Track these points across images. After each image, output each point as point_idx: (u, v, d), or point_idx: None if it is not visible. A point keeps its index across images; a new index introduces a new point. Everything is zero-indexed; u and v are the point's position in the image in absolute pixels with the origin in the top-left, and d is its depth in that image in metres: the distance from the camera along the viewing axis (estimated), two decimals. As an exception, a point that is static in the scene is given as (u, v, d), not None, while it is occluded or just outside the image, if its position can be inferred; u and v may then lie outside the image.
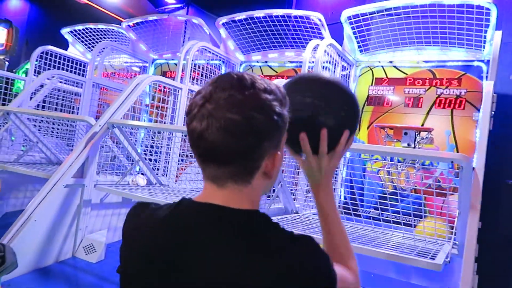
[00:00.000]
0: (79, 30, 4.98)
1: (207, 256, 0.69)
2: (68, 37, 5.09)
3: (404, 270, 2.47)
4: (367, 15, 3.17)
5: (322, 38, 3.41)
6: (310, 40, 3.14)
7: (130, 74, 4.88)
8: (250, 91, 0.71)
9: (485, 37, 2.86)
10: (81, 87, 4.20)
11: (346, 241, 0.94)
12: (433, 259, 1.64)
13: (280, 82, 2.58)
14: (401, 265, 2.42)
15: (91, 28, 4.93)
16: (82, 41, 5.08)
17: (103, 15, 6.46)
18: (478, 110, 2.94)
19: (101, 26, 4.94)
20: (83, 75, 4.60)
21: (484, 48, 2.96)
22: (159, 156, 3.22)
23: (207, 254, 0.69)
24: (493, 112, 2.30)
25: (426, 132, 2.92)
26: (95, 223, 2.74)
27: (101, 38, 4.97)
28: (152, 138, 3.16)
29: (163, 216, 0.76)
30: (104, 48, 4.40)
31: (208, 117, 0.69)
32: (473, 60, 3.04)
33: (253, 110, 0.69)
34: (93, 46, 4.86)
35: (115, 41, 4.89)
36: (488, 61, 2.93)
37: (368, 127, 3.36)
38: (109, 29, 4.93)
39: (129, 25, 4.57)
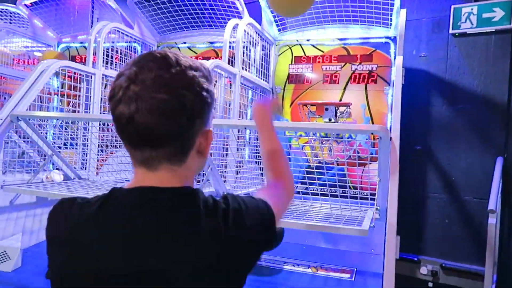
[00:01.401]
0: (-36, 10, 4.33)
1: (138, 244, 0.67)
2: (-50, 19, 4.40)
3: (332, 237, 2.63)
4: (283, -7, 3.19)
5: (240, 17, 3.37)
6: (229, 19, 3.09)
7: (32, 60, 4.39)
8: (177, 69, 0.69)
9: (391, 15, 3.07)
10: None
11: (282, 150, 1.10)
12: (360, 225, 1.76)
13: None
14: (329, 233, 2.57)
15: (-22, 9, 4.31)
16: (-31, 24, 4.43)
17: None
18: (389, 84, 3.17)
19: (-9, 6, 4.34)
20: (-26, 63, 4.04)
21: (391, 26, 3.17)
22: (76, 148, 2.98)
23: (137, 241, 0.67)
24: (402, 85, 2.49)
25: (345, 107, 3.08)
26: (6, 228, 2.46)
27: (-8, 20, 4.38)
28: (65, 129, 2.90)
29: (94, 209, 0.71)
30: (-3, 31, 3.90)
31: (137, 100, 0.66)
32: (382, 37, 3.26)
33: (182, 88, 0.68)
34: (-17, 29, 4.26)
35: (11, 23, 4.34)
36: (395, 38, 3.16)
37: (290, 105, 3.45)
38: (2, 9, 4.35)
39: (25, 5, 4.08)
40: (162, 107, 0.66)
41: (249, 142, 3.21)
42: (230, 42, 2.91)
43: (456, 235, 3.25)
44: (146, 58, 0.71)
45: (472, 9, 3.23)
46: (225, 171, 2.69)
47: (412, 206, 3.38)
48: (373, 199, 2.06)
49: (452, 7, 3.29)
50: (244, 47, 2.98)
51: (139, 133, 0.68)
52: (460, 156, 3.27)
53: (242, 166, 2.97)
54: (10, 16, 4.38)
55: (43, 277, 0.77)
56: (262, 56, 3.42)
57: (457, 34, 3.30)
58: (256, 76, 3.27)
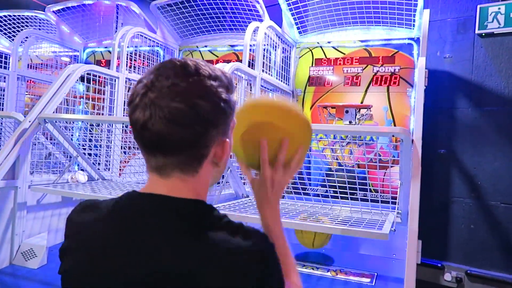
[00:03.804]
0: (-4, 17, 4.51)
1: (144, 248, 0.67)
2: (-17, 26, 4.60)
3: (353, 241, 2.59)
4: (304, -4, 3.20)
5: (261, 20, 3.39)
6: (249, 22, 3.11)
7: (59, 64, 4.53)
8: (194, 78, 0.69)
9: (414, 15, 3.02)
10: (4, 81, 3.84)
11: (290, 255, 0.91)
12: (380, 229, 1.73)
13: (222, 66, 2.52)
14: (350, 236, 2.53)
15: (9, 16, 4.49)
16: (1, 30, 4.62)
17: (23, 1, 5.90)
18: (411, 86, 3.11)
19: (21, 12, 4.50)
20: (5, 68, 4.20)
21: (414, 27, 3.12)
22: (99, 150, 3.05)
23: (144, 246, 0.67)
24: (425, 87, 2.44)
25: (366, 109, 3.04)
26: (33, 227, 2.54)
27: (23, 27, 4.54)
28: (90, 131, 2.98)
29: (106, 211, 0.74)
30: (27, 37, 4.04)
31: (151, 107, 0.67)
32: (405, 38, 3.20)
33: (198, 98, 0.68)
34: (14, 36, 4.43)
35: (40, 29, 4.50)
36: (418, 39, 3.10)
37: (311, 108, 3.43)
38: (32, 16, 4.52)
39: (53, 11, 4.22)
40: (175, 115, 0.66)
41: (269, 145, 3.21)
42: (250, 45, 2.93)
43: (482, 240, 3.15)
44: (166, 65, 0.71)
45: (499, 8, 3.14)
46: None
47: (436, 210, 3.30)
48: (395, 203, 2.02)
49: (478, 6, 3.21)
50: (264, 50, 2.99)
51: (152, 139, 0.68)
52: (486, 160, 3.17)
53: (262, 168, 2.97)
54: (39, 23, 4.54)
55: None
56: (283, 59, 3.42)
57: (483, 34, 3.21)
58: (276, 78, 3.27)
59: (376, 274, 2.22)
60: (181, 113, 0.66)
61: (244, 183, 2.54)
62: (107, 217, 0.73)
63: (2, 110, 3.78)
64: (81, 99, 3.69)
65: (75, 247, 0.76)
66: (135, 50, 3.53)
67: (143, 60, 3.65)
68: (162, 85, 0.68)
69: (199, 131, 0.69)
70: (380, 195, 2.28)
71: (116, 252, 0.68)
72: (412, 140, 1.80)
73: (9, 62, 4.25)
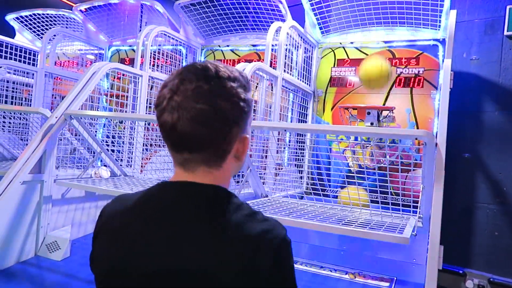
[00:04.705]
0: (26, 16, 4.64)
1: (166, 235, 0.72)
2: (14, 24, 4.74)
3: (372, 244, 2.56)
4: (327, -4, 3.17)
5: (283, 20, 3.38)
6: (271, 22, 3.11)
7: (85, 62, 4.64)
8: (215, 80, 0.74)
9: (440, 16, 2.95)
10: (32, 78, 3.96)
11: None
12: (401, 233, 1.70)
13: (244, 66, 2.53)
14: (369, 240, 2.50)
15: (39, 14, 4.62)
16: (30, 28, 4.75)
17: (51, 0, 6.07)
18: (436, 88, 3.05)
19: (50, 11, 4.63)
20: (33, 65, 4.33)
21: (439, 28, 3.05)
22: (122, 146, 3.11)
23: (166, 232, 0.72)
24: (450, 89, 2.39)
25: (388, 111, 2.99)
26: (57, 220, 2.62)
27: (51, 25, 4.67)
28: (113, 128, 3.04)
29: (134, 201, 0.79)
30: (55, 35, 4.15)
31: (178, 109, 0.72)
32: (430, 40, 3.14)
33: (220, 99, 0.73)
34: (43, 34, 4.56)
35: (67, 27, 4.61)
36: (444, 40, 3.03)
37: (332, 108, 3.41)
38: (59, 14, 4.64)
39: (80, 10, 4.33)
40: (201, 116, 0.72)
41: (289, 145, 3.21)
42: (272, 45, 2.93)
43: (506, 248, 3.06)
44: (188, 69, 0.76)
45: (529, 9, 3.04)
46: (264, 173, 2.70)
47: (459, 215, 3.22)
48: (416, 207, 1.99)
49: (508, 7, 3.11)
50: (286, 50, 2.99)
51: (180, 139, 0.74)
52: (513, 165, 3.08)
53: (282, 168, 2.97)
54: (67, 21, 4.67)
55: (89, 268, 0.83)
56: (304, 59, 3.41)
57: (512, 35, 3.11)
58: (298, 79, 3.26)
59: (395, 278, 2.19)
60: (205, 114, 0.72)
61: (263, 183, 2.55)
62: (135, 206, 0.78)
63: (30, 106, 3.90)
64: (105, 96, 3.77)
65: (102, 233, 0.81)
66: (159, 49, 3.58)
67: (166, 59, 3.70)
68: (186, 88, 0.73)
69: (222, 129, 0.74)
70: (402, 199, 2.24)
71: (138, 239, 0.73)
72: (436, 144, 1.76)
73: (37, 59, 4.38)
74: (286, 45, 2.98)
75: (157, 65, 3.54)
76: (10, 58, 4.17)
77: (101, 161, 2.91)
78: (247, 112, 0.79)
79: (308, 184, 3.16)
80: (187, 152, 0.76)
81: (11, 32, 4.68)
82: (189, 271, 0.68)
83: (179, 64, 3.89)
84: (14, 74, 3.92)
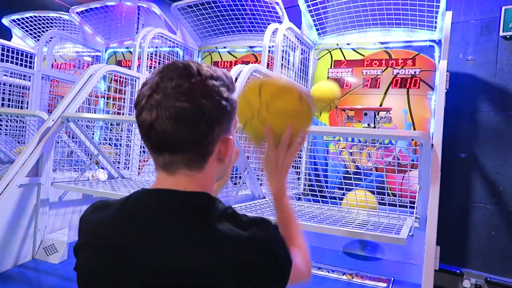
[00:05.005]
0: (22, 18, 4.63)
1: (154, 242, 0.69)
2: (11, 27, 4.74)
3: (370, 245, 2.57)
4: (323, -3, 3.18)
5: (280, 21, 3.39)
6: (268, 24, 3.11)
7: (82, 64, 4.64)
8: (197, 79, 0.72)
9: (436, 17, 2.97)
10: (29, 80, 3.95)
11: (293, 221, 1.00)
12: (398, 233, 1.71)
13: (241, 68, 2.53)
14: (367, 240, 2.51)
15: (35, 17, 4.61)
16: (27, 31, 4.75)
17: (47, 2, 6.06)
18: (432, 89, 3.07)
19: (46, 13, 4.62)
20: (30, 67, 4.32)
21: (435, 28, 3.07)
22: (119, 148, 3.11)
23: (154, 239, 0.70)
24: (446, 90, 2.40)
25: (385, 112, 3.01)
26: (54, 223, 2.61)
27: (47, 27, 4.66)
28: (110, 130, 3.04)
29: (116, 209, 0.77)
30: (51, 38, 4.15)
31: (157, 107, 0.70)
32: (426, 40, 3.15)
33: (201, 97, 0.71)
34: (39, 36, 4.56)
35: (64, 29, 4.61)
36: (440, 41, 3.05)
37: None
38: (56, 17, 4.64)
39: (77, 12, 4.32)
40: (181, 115, 0.69)
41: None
42: (269, 47, 2.94)
43: (503, 247, 3.07)
44: (169, 67, 0.74)
45: (525, 10, 3.06)
46: (262, 174, 2.70)
47: (456, 215, 3.24)
48: (413, 207, 2.00)
49: (503, 8, 3.13)
50: (283, 51, 2.99)
51: (159, 139, 0.71)
52: (509, 165, 3.09)
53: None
54: (64, 23, 4.66)
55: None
56: (301, 60, 3.42)
57: (508, 36, 3.13)
58: (295, 80, 3.27)
59: (392, 279, 2.20)
60: (186, 113, 0.69)
61: (260, 184, 2.55)
62: (117, 214, 0.76)
63: (27, 108, 3.89)
64: (102, 98, 3.77)
65: (87, 244, 0.78)
66: (156, 51, 3.59)
67: (163, 61, 3.70)
68: (166, 86, 0.71)
69: (203, 129, 0.72)
70: (398, 199, 2.25)
71: (126, 247, 0.71)
72: (432, 145, 1.77)
73: (34, 62, 4.37)
74: (283, 46, 2.99)
75: (155, 67, 3.54)
76: (7, 61, 4.16)
77: (98, 163, 2.90)
78: (230, 112, 0.76)
79: (305, 186, 3.16)
80: (168, 153, 0.73)
81: (7, 35, 4.68)
82: (179, 278, 0.66)
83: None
84: (11, 76, 3.92)
